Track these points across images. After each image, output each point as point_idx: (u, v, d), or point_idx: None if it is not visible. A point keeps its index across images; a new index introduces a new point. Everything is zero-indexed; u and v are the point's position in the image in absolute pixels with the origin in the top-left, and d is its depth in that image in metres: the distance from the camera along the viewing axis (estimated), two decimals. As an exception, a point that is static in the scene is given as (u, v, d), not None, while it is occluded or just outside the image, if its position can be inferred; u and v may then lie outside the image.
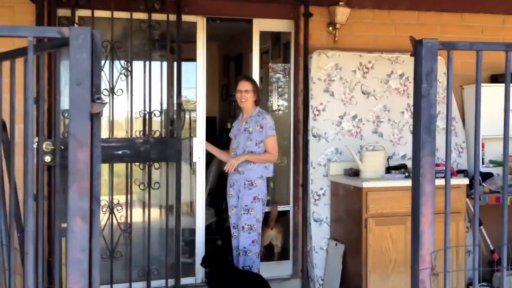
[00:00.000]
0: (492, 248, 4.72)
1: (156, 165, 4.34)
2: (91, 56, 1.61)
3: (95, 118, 1.68)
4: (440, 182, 4.17)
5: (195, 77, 4.57)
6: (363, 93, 4.70)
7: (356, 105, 4.68)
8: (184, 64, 5.19)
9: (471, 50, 1.94)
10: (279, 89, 5.56)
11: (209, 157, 5.78)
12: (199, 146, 4.55)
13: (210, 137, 6.71)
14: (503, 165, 2.15)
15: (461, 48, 1.92)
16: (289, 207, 4.83)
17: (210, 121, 7.25)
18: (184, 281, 4.51)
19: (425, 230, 1.98)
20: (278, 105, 5.60)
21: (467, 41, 1.91)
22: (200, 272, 4.60)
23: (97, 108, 1.65)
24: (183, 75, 5.01)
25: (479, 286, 4.32)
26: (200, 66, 4.56)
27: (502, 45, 1.96)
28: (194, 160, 4.56)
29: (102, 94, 1.65)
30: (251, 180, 4.23)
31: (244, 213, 4.23)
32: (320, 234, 4.61)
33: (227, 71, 7.18)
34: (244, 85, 4.33)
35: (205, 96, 4.60)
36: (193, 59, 4.60)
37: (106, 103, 1.68)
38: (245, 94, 4.30)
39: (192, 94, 4.94)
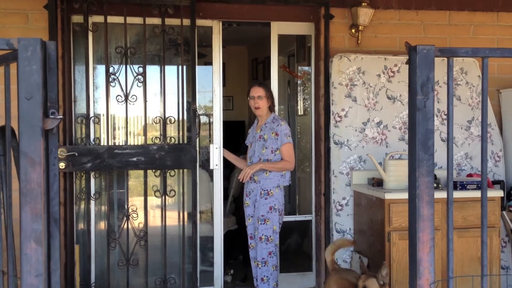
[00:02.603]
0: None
1: (172, 172, 4.25)
2: (42, 68, 1.49)
3: (50, 134, 1.57)
4: (474, 194, 3.96)
5: (212, 82, 4.45)
6: (389, 98, 4.45)
7: (381, 110, 4.43)
8: (204, 68, 5.12)
9: (475, 57, 1.71)
10: (305, 94, 5.38)
11: (232, 163, 5.67)
12: (216, 152, 4.43)
13: (238, 142, 6.60)
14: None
15: (463, 55, 1.69)
16: (311, 217, 4.64)
17: (239, 125, 7.16)
18: (204, 290, 4.42)
19: (423, 258, 1.77)
20: (304, 110, 5.42)
21: (470, 47, 1.68)
22: (219, 281, 4.48)
23: (51, 124, 1.53)
24: (205, 79, 4.91)
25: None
26: (216, 71, 4.43)
27: (512, 50, 1.72)
28: (211, 167, 4.44)
29: (56, 110, 1.53)
30: (267, 190, 4.08)
31: (261, 224, 4.09)
32: (343, 246, 4.40)
33: (256, 74, 7.05)
34: (257, 91, 4.21)
35: (221, 100, 4.47)
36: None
37: (61, 118, 1.56)
38: (258, 100, 4.19)
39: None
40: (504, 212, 4.38)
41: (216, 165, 4.43)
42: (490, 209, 3.92)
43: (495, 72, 4.61)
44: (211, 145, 4.43)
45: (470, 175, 4.41)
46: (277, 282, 4.13)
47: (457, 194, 3.85)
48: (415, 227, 1.76)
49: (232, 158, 4.50)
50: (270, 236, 4.09)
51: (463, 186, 3.96)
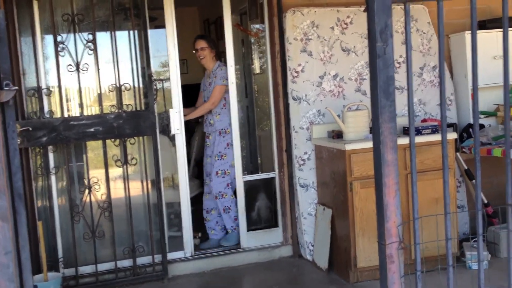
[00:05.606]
0: (486, 201, 4.59)
1: (132, 140, 4.19)
2: (-9, 38, 1.42)
3: (6, 107, 1.51)
4: (429, 138, 4.08)
5: (166, 45, 4.35)
6: (343, 50, 4.47)
7: (337, 63, 4.46)
8: (156, 32, 4.99)
9: (429, 1, 1.73)
10: (260, 52, 5.32)
11: (192, 127, 5.61)
12: (177, 117, 4.38)
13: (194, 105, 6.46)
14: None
15: (419, -1, 1.72)
16: (274, 174, 4.69)
17: (195, 88, 7.05)
18: (173, 255, 4.44)
19: (390, 202, 1.83)
20: (261, 68, 5.38)
21: (425, -9, 1.70)
22: (189, 245, 4.50)
23: (6, 96, 1.47)
24: (157, 44, 4.80)
25: (472, 241, 4.25)
26: (170, 33, 4.32)
27: (466, -8, 1.75)
28: (172, 132, 4.40)
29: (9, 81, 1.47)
30: (224, 129, 4.63)
31: (218, 159, 4.61)
32: (307, 199, 4.48)
33: (209, 35, 6.93)
34: (199, 44, 4.66)
35: (178, 63, 4.39)
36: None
37: (15, 89, 1.50)
38: (201, 51, 4.64)
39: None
40: (457, 153, 4.55)
41: (178, 129, 4.39)
42: (445, 151, 4.05)
43: (444, 18, 4.66)
44: (171, 110, 4.37)
45: (424, 120, 4.53)
46: (236, 216, 4.57)
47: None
48: (380, 172, 1.80)
49: (195, 114, 4.72)
50: (227, 170, 4.60)
51: (418, 132, 4.07)
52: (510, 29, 1.88)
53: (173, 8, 4.29)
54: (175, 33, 4.33)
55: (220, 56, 4.67)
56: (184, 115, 4.47)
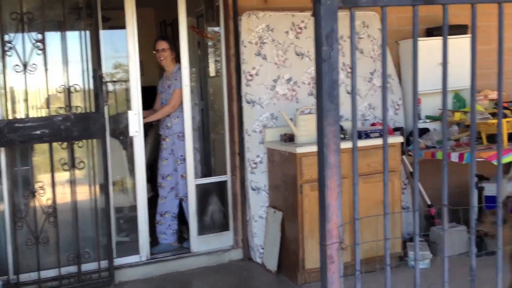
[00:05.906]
0: (429, 203, 4.74)
1: (80, 143, 4.08)
2: None
3: None
4: (377, 141, 4.17)
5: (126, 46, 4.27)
6: (297, 54, 4.53)
7: (290, 67, 4.51)
8: (111, 33, 4.92)
9: (374, 6, 1.77)
10: (216, 56, 5.32)
11: (146, 129, 5.54)
12: (135, 119, 4.31)
13: (150, 108, 6.40)
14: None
15: (364, 5, 1.76)
16: (226, 177, 4.68)
17: (151, 90, 6.97)
18: (129, 260, 4.38)
19: (331, 203, 1.85)
20: (216, 72, 5.37)
21: (369, -3, 1.74)
22: (145, 249, 4.42)
23: None
24: (110, 45, 4.73)
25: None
26: (130, 34, 4.25)
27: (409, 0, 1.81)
28: (130, 134, 4.33)
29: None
30: (182, 132, 4.56)
31: (180, 163, 4.62)
32: (258, 202, 4.50)
33: (165, 37, 6.87)
34: (160, 45, 4.68)
35: (138, 65, 4.32)
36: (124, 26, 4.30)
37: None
38: (162, 52, 4.66)
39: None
40: (404, 156, 4.68)
41: (136, 131, 4.33)
42: (391, 154, 4.14)
43: (394, 24, 4.76)
44: (129, 112, 4.30)
45: (373, 124, 4.63)
46: None
47: (362, 143, 4.04)
48: (323, 174, 1.82)
49: (154, 117, 4.70)
50: None
51: (367, 135, 4.16)
52: (450, 37, 1.95)
53: (134, 9, 4.22)
54: (135, 34, 4.26)
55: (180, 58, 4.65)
56: (143, 118, 4.41)
